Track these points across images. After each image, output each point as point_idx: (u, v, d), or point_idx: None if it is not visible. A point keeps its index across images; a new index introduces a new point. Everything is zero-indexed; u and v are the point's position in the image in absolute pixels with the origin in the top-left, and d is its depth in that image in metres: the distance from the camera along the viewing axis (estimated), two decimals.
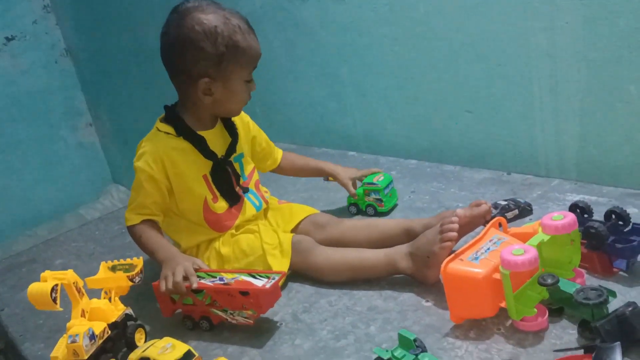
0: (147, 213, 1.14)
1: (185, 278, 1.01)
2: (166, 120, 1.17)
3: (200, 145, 1.16)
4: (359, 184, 1.36)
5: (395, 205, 1.36)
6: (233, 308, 0.99)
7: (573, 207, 1.01)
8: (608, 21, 1.18)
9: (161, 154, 1.13)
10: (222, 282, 1.01)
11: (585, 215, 1.00)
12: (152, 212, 1.14)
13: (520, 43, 1.34)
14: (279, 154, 1.38)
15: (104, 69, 2.82)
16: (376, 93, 1.73)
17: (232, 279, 1.01)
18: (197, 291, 1.01)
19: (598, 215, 1.00)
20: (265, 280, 0.99)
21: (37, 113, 2.85)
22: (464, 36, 1.44)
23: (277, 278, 1.00)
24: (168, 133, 1.15)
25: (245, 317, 0.98)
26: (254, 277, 1.01)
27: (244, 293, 0.97)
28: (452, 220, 0.97)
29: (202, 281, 1.01)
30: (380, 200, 1.32)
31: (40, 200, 2.87)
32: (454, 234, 0.96)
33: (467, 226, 1.05)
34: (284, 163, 1.39)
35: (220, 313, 1.01)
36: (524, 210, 1.18)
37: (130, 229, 1.15)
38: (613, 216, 0.96)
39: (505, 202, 1.19)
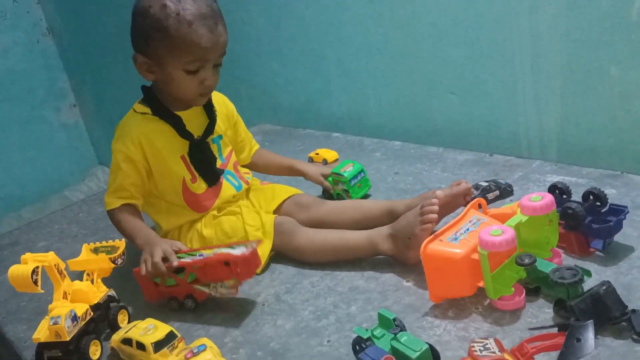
0: (127, 196, 1.13)
1: (165, 259, 1.01)
2: (144, 100, 1.16)
3: (177, 124, 1.15)
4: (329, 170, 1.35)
5: (366, 195, 1.34)
6: (215, 281, 1.00)
7: (552, 188, 1.02)
8: (591, 3, 1.19)
9: (138, 134, 1.12)
10: (201, 258, 1.01)
11: (564, 196, 1.01)
12: (131, 195, 1.14)
13: (503, 24, 1.34)
14: (254, 148, 1.37)
15: (88, 49, 2.78)
16: (361, 74, 1.73)
17: (212, 253, 1.02)
18: (178, 271, 1.01)
19: (577, 196, 1.01)
20: (244, 249, 1.00)
21: (19, 94, 2.81)
22: (448, 17, 1.44)
23: (255, 245, 1.01)
24: (145, 113, 1.14)
25: (228, 288, 0.99)
26: (232, 247, 1.02)
27: (226, 263, 0.97)
28: (432, 202, 0.98)
29: (182, 260, 1.02)
30: (346, 190, 1.31)
31: (24, 182, 2.85)
32: (434, 215, 0.97)
33: (448, 206, 1.05)
34: (255, 158, 1.37)
35: (203, 288, 1.01)
36: (505, 192, 1.19)
37: (110, 213, 1.14)
38: (591, 197, 0.97)
39: (487, 184, 1.20)
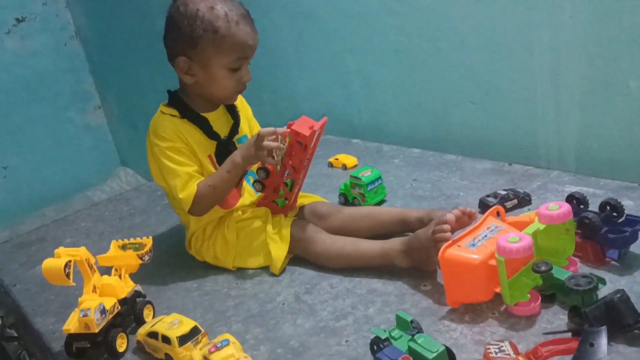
0: (196, 178, 1.15)
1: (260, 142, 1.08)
2: (169, 104, 1.21)
3: (204, 126, 1.19)
4: (348, 175, 1.38)
5: (382, 202, 1.36)
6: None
7: (569, 198, 1.04)
8: (611, 18, 1.20)
9: (173, 128, 1.16)
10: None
11: (581, 206, 1.03)
12: (200, 178, 1.16)
13: (524, 36, 1.36)
14: None
15: (113, 52, 2.84)
16: (382, 82, 1.76)
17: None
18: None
19: (594, 206, 1.03)
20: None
21: (46, 95, 2.87)
22: (469, 27, 1.46)
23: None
24: (173, 115, 1.18)
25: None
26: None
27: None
28: (444, 228, 0.98)
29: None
30: (362, 194, 1.34)
31: (48, 181, 2.91)
32: (447, 239, 0.96)
33: (456, 226, 1.05)
34: None
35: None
36: (523, 200, 1.21)
37: (195, 203, 1.14)
38: (607, 207, 0.98)
39: (505, 192, 1.22)
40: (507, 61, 1.42)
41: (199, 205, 1.15)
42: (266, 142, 1.08)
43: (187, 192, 1.14)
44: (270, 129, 1.10)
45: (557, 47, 1.31)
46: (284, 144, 1.12)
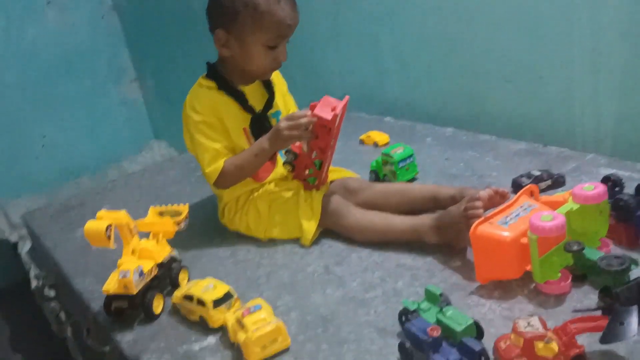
0: (224, 155, 1.18)
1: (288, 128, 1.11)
2: (208, 76, 1.23)
3: (240, 99, 1.21)
4: (380, 152, 1.39)
5: (413, 180, 1.36)
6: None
7: (605, 180, 1.03)
8: None
9: (209, 103, 1.19)
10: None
11: (616, 189, 1.02)
12: (227, 155, 1.19)
13: (563, 16, 1.33)
14: None
15: (150, 25, 2.87)
16: (416, 61, 1.75)
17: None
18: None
19: (629, 189, 1.02)
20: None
21: (83, 69, 2.92)
22: (507, 7, 1.44)
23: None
24: (210, 87, 1.21)
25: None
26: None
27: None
28: (476, 205, 0.99)
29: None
30: (394, 172, 1.34)
31: (84, 153, 2.98)
32: (479, 216, 0.97)
33: (488, 204, 1.06)
34: None
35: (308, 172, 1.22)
36: (557, 182, 1.20)
37: (220, 179, 1.18)
38: None
39: (539, 173, 1.21)
40: (545, 41, 1.40)
41: (224, 181, 1.19)
42: (286, 133, 1.11)
43: (213, 167, 1.17)
44: (295, 113, 1.12)
45: (598, 28, 1.28)
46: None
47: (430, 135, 1.61)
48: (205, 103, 1.18)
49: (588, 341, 0.76)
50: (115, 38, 3.02)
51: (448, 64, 1.65)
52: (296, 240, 1.19)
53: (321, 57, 2.06)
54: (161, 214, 1.10)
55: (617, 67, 1.28)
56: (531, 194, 1.01)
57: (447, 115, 1.71)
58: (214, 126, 1.19)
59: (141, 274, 0.99)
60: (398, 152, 1.34)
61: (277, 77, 1.32)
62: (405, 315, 0.86)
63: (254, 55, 1.16)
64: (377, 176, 1.39)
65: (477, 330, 0.80)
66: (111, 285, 0.98)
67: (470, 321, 0.78)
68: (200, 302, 0.94)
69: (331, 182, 1.29)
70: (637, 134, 1.29)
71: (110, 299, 1.00)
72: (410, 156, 1.36)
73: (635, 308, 0.72)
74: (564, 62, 1.37)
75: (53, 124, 2.87)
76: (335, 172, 1.33)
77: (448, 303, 0.86)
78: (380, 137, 1.64)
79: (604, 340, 0.71)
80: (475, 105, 1.64)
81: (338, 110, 1.12)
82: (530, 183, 1.17)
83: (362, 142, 1.67)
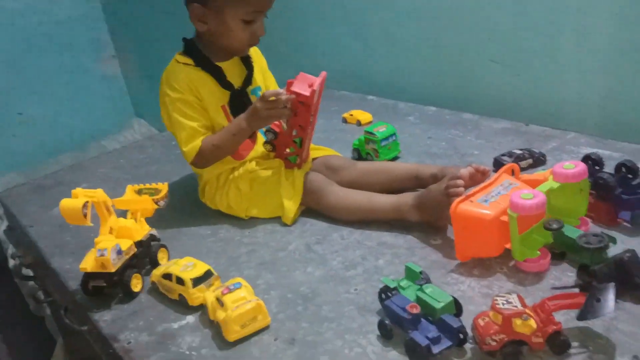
0: (203, 133, 1.17)
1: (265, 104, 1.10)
2: (185, 52, 1.20)
3: (218, 75, 1.19)
4: (362, 131, 1.38)
5: (395, 158, 1.36)
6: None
7: (585, 159, 1.03)
8: None
9: (186, 80, 1.16)
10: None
11: (597, 167, 1.02)
12: (205, 134, 1.17)
13: None
14: None
15: (129, 0, 2.81)
16: (401, 39, 1.73)
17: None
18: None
19: (609, 168, 1.02)
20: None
21: (63, 44, 2.86)
22: None
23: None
24: (187, 64, 1.18)
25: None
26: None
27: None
28: (457, 183, 0.99)
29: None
30: (376, 150, 1.34)
31: (63, 129, 2.93)
32: (460, 194, 0.98)
33: (470, 182, 1.06)
34: None
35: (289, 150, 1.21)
36: (538, 160, 1.21)
37: (198, 158, 1.16)
38: (623, 169, 0.98)
39: (520, 152, 1.22)
40: (530, 19, 1.39)
41: (202, 160, 1.18)
42: (265, 112, 1.10)
43: (191, 146, 1.15)
44: (272, 91, 1.10)
45: (584, 6, 1.27)
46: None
47: (413, 114, 1.60)
48: (182, 80, 1.16)
49: (565, 318, 0.77)
50: (94, 13, 2.96)
51: (433, 42, 1.64)
52: (277, 219, 1.18)
53: (306, 31, 2.03)
54: (139, 192, 1.08)
55: (603, 47, 1.28)
56: (512, 173, 1.01)
57: (432, 93, 1.70)
58: (191, 104, 1.16)
59: (119, 252, 0.97)
60: (380, 130, 1.34)
61: (255, 53, 1.29)
62: (385, 292, 0.86)
63: (231, 30, 1.14)
64: (359, 155, 1.38)
65: (456, 308, 0.80)
66: (88, 263, 0.96)
67: (450, 298, 0.79)
68: (180, 281, 0.93)
69: (313, 159, 1.28)
70: (621, 113, 1.30)
71: (87, 277, 0.99)
72: (393, 135, 1.35)
73: (612, 285, 0.73)
74: (549, 41, 1.37)
75: (31, 100, 2.81)
76: (318, 151, 1.32)
77: (428, 281, 0.86)
78: (363, 115, 1.63)
79: (581, 317, 0.72)
80: (459, 84, 1.63)
81: (316, 86, 1.11)
82: (511, 162, 1.17)
83: (344, 120, 1.66)
